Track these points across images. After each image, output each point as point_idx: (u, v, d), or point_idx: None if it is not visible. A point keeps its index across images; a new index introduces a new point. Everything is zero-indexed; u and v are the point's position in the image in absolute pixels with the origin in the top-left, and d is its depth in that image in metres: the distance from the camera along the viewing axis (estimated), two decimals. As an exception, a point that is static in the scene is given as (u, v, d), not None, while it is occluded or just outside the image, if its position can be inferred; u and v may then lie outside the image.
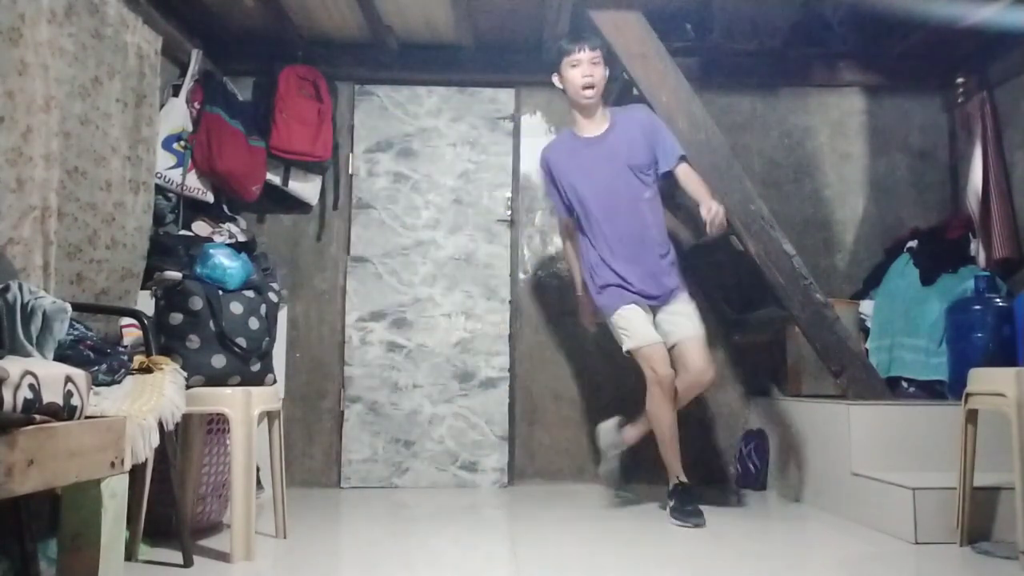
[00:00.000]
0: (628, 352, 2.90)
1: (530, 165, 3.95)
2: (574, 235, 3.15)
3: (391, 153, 3.90)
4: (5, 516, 1.58)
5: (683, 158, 3.00)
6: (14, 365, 1.37)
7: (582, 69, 2.95)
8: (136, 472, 2.03)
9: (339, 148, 3.85)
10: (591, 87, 2.96)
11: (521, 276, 3.90)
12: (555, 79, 3.05)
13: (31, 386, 1.36)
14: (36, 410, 1.36)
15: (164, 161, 3.18)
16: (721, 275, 3.85)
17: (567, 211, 3.09)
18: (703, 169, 3.16)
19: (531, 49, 3.87)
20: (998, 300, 2.95)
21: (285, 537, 2.52)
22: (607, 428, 3.24)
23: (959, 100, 3.86)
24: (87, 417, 1.53)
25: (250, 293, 2.43)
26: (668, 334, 2.90)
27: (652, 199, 2.98)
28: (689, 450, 3.77)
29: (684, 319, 2.91)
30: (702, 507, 2.79)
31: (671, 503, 2.85)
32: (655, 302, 2.93)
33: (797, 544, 2.56)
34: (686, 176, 2.99)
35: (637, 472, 3.75)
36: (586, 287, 3.08)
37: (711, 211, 2.85)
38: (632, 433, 3.15)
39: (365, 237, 3.85)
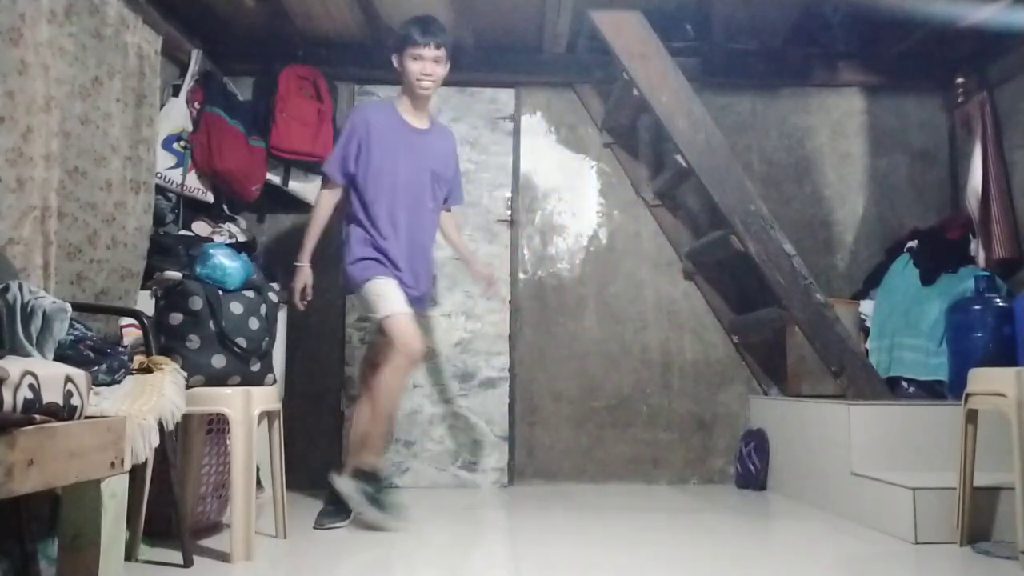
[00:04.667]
0: (382, 319, 2.77)
1: (530, 165, 3.95)
2: (334, 202, 2.97)
3: (391, 153, 3.89)
4: (5, 516, 1.58)
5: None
6: (14, 365, 1.37)
7: (422, 65, 2.86)
8: (136, 472, 2.03)
9: (339, 148, 3.85)
10: (429, 82, 2.89)
11: (521, 276, 3.90)
12: (394, 59, 2.93)
13: (31, 386, 1.36)
14: (36, 410, 1.36)
15: (164, 161, 3.18)
16: (721, 275, 3.86)
17: (344, 175, 2.92)
18: (703, 169, 3.17)
19: (531, 49, 3.87)
20: (998, 300, 2.96)
21: (285, 537, 2.52)
22: (341, 480, 2.78)
23: (959, 100, 3.87)
24: (87, 417, 1.52)
25: (250, 293, 2.43)
26: None
27: (433, 211, 2.99)
28: (689, 450, 3.81)
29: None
30: (707, 507, 2.79)
31: (364, 488, 2.72)
32: (413, 302, 2.87)
33: (797, 544, 2.56)
34: (453, 224, 3.21)
35: (624, 469, 3.77)
36: (312, 258, 2.93)
37: (491, 278, 3.24)
38: (366, 456, 2.79)
39: (365, 237, 3.84)
